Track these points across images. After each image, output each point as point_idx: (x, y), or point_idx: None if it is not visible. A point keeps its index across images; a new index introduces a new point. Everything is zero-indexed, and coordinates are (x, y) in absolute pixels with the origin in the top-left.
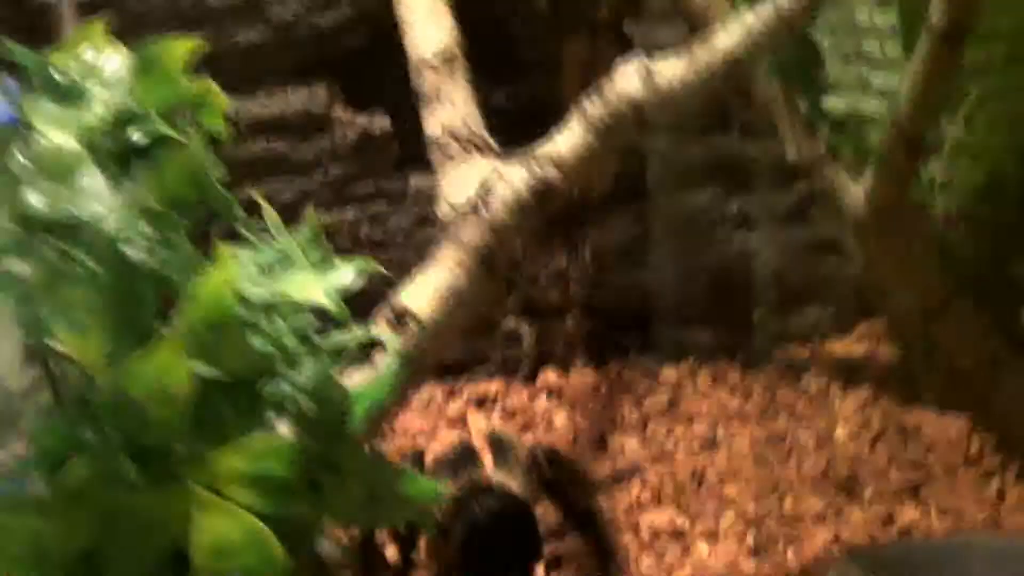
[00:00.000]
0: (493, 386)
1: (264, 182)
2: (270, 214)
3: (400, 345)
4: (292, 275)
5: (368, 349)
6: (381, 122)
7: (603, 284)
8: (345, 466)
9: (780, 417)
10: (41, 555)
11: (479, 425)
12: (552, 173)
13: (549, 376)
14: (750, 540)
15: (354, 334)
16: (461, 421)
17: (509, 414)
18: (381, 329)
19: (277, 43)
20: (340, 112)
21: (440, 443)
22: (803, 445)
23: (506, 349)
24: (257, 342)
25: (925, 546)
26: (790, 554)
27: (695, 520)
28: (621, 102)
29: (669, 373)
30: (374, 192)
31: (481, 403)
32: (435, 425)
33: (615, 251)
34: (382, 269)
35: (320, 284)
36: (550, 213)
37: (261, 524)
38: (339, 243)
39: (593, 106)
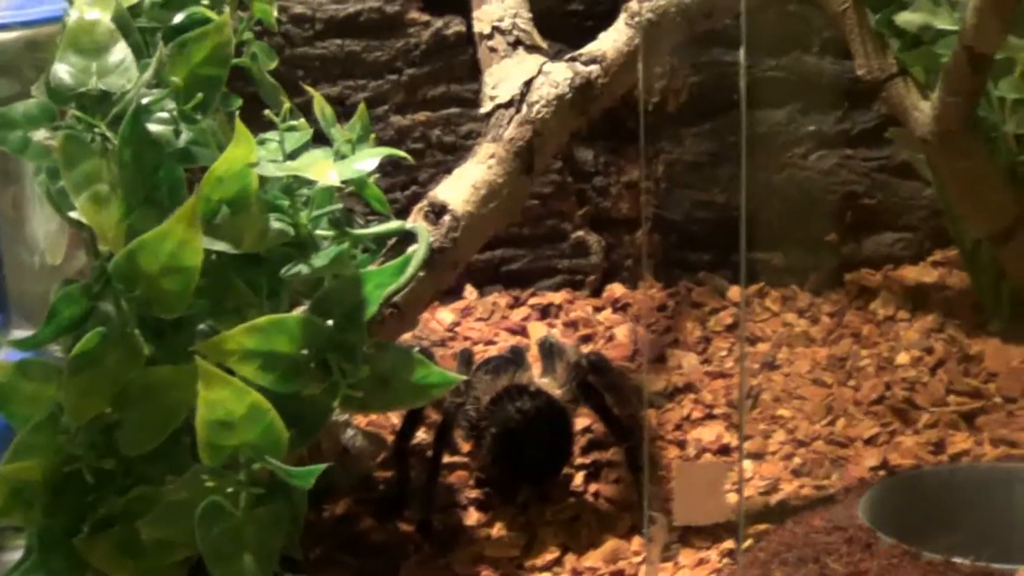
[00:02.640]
0: (558, 297)
1: (337, 82)
2: (319, 101)
3: (432, 236)
4: (309, 157)
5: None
6: (456, 26)
7: (675, 199)
8: (357, 349)
9: (843, 341)
10: (59, 422)
11: (539, 334)
12: (595, 71)
13: (615, 290)
14: (796, 460)
15: (387, 225)
16: (523, 330)
17: (571, 325)
18: (416, 221)
19: None
20: (415, 14)
21: (499, 350)
22: (863, 369)
23: (573, 260)
24: (278, 224)
25: (969, 471)
26: (834, 476)
27: (743, 438)
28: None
29: (737, 293)
30: (447, 95)
31: (544, 313)
32: (496, 332)
33: (688, 165)
34: (408, 157)
35: (335, 167)
36: (595, 112)
37: (264, 400)
38: (409, 146)
39: (639, 5)
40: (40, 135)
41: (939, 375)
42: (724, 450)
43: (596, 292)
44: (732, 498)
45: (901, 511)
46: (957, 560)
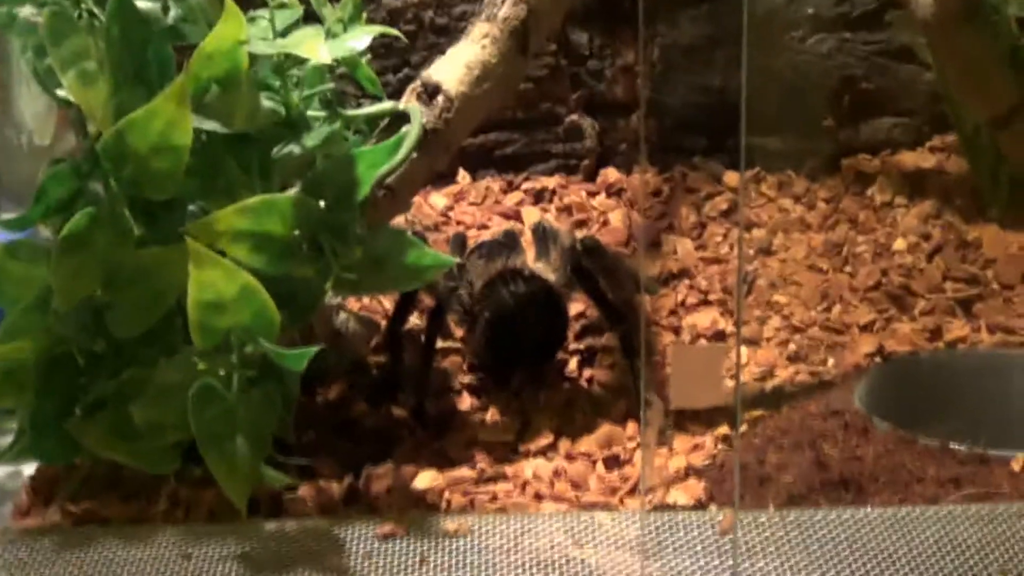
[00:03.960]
0: (552, 182)
1: None
2: None
3: (425, 117)
4: (300, 35)
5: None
6: None
7: (671, 83)
8: (350, 230)
9: (840, 227)
10: (49, 304)
11: (533, 219)
12: None
13: (610, 175)
14: (792, 346)
15: (379, 106)
16: (517, 215)
17: (565, 210)
18: (409, 102)
19: None
20: None
21: (492, 235)
22: (860, 255)
23: (567, 145)
24: (268, 103)
25: (965, 357)
26: (830, 362)
27: (739, 324)
28: None
29: (733, 178)
30: None
31: (539, 198)
32: (489, 217)
33: (685, 49)
34: (402, 36)
35: (326, 44)
36: None
37: (256, 281)
38: (402, 28)
39: None
40: (26, 11)
41: (936, 261)
42: (719, 336)
43: (590, 177)
44: (729, 384)
45: (897, 397)
46: (953, 446)
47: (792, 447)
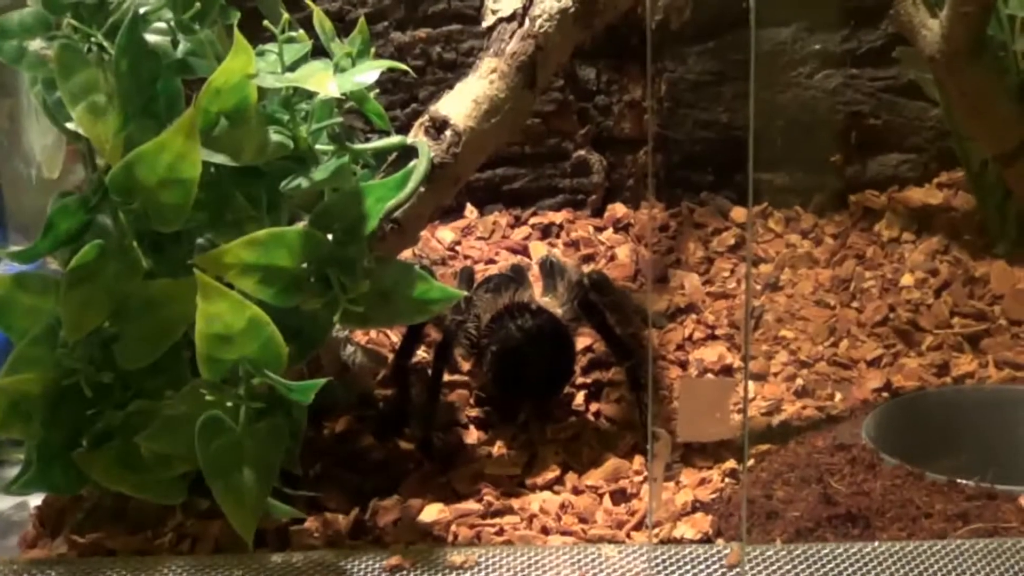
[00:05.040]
0: (559, 216)
1: None
2: (318, 15)
3: (433, 151)
4: (308, 69)
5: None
6: None
7: (679, 118)
8: (358, 263)
9: (847, 262)
10: (57, 335)
11: (540, 253)
12: None
13: (617, 209)
14: (799, 381)
15: (387, 140)
16: (524, 249)
17: (573, 245)
18: (417, 136)
19: None
20: None
21: (500, 269)
22: (867, 291)
23: (575, 180)
24: (277, 137)
25: (973, 393)
26: (837, 397)
27: (746, 359)
28: None
29: (740, 214)
30: (448, 12)
31: (546, 232)
32: (496, 251)
33: (692, 85)
34: (410, 71)
35: (335, 79)
36: (599, 26)
37: (263, 313)
38: (410, 63)
39: None
40: (36, 45)
41: (944, 297)
42: (727, 370)
43: (598, 212)
44: (736, 418)
45: (905, 432)
46: (961, 481)
47: (799, 482)
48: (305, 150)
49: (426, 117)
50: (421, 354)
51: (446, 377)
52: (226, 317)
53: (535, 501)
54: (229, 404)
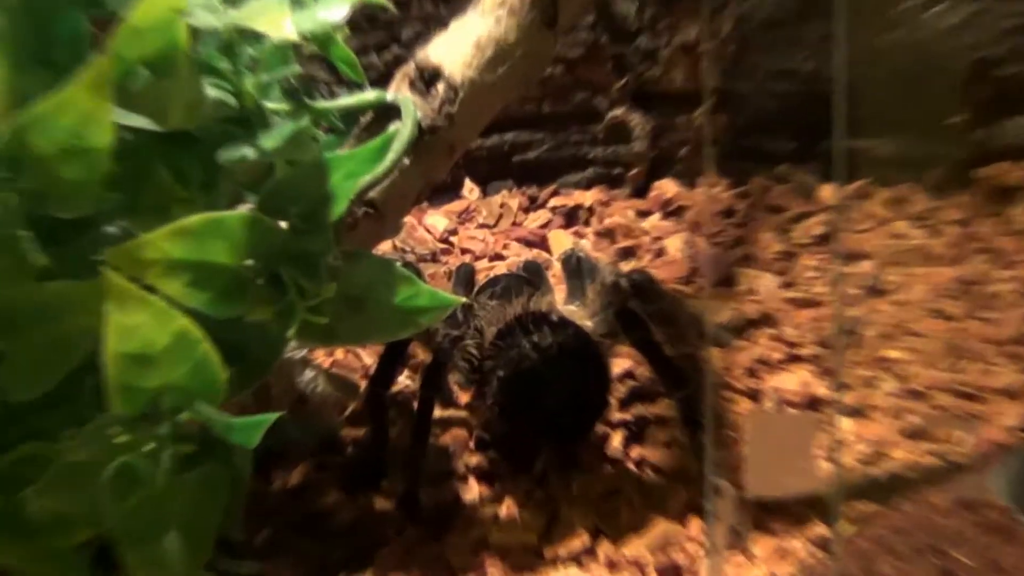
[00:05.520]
0: (589, 197)
1: None
2: None
3: (420, 111)
4: (257, 5)
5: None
6: None
7: (748, 67)
8: (320, 260)
9: (974, 259)
10: None
11: (563, 246)
12: None
13: (666, 188)
14: (910, 418)
15: (360, 96)
16: (542, 240)
17: (607, 234)
18: (399, 91)
19: None
20: None
21: (509, 267)
22: (999, 296)
23: (609, 148)
24: (214, 91)
25: None
26: (962, 439)
27: (839, 388)
28: None
29: (830, 193)
30: None
31: (571, 218)
32: (505, 243)
33: (766, 23)
34: (389, 5)
35: (291, 16)
36: None
37: (195, 326)
38: None
39: None
40: None
41: None
42: (813, 403)
43: (640, 191)
44: (825, 467)
45: None
46: None
47: (911, 553)
48: (252, 109)
49: (411, 66)
50: (404, 381)
51: (438, 412)
52: (145, 331)
53: None
54: (148, 448)
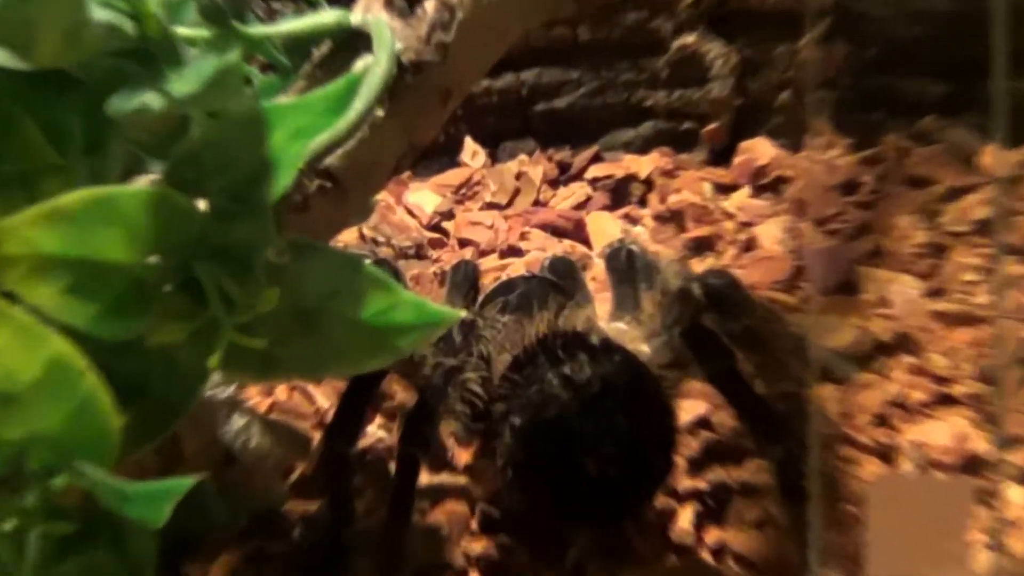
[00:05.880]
0: (645, 163)
1: None
2: None
3: (400, 40)
4: None
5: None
6: None
7: None
8: (256, 256)
9: None
10: None
11: (607, 236)
12: None
13: (758, 151)
14: None
15: (312, 18)
16: (577, 227)
17: (672, 218)
18: (369, 11)
19: None
20: None
21: (528, 266)
22: None
23: (675, 93)
24: (104, 15)
25: None
26: None
27: (1009, 444)
28: None
29: (991, 158)
30: None
31: (619, 195)
32: (523, 231)
33: None
34: None
35: None
36: None
37: (76, 352)
38: None
39: None
40: None
41: None
42: (971, 464)
43: (720, 155)
44: (987, 556)
45: None
46: None
47: None
48: (156, 38)
49: None
50: (377, 433)
51: (425, 478)
52: (5, 359)
53: None
54: (8, 526)
